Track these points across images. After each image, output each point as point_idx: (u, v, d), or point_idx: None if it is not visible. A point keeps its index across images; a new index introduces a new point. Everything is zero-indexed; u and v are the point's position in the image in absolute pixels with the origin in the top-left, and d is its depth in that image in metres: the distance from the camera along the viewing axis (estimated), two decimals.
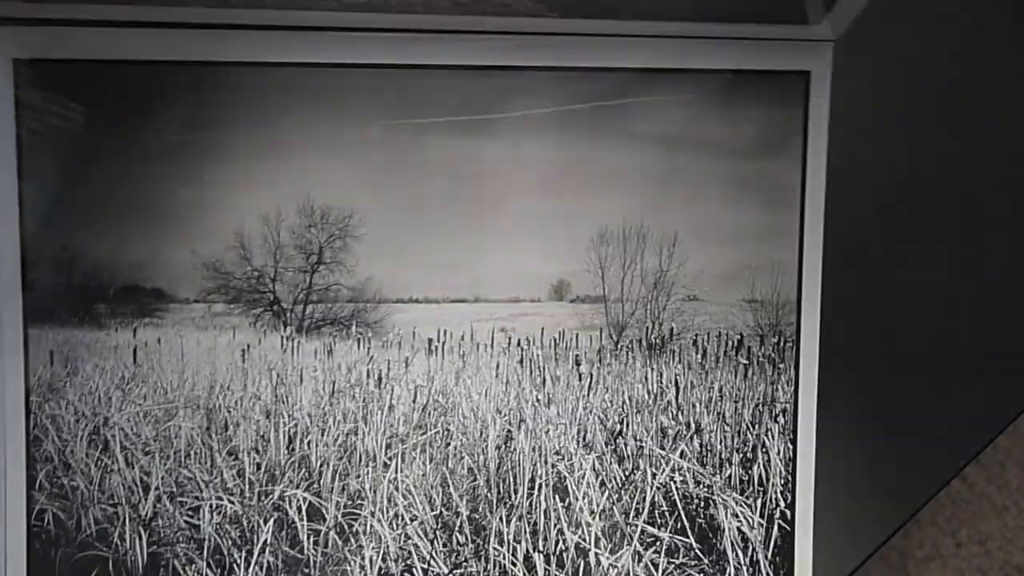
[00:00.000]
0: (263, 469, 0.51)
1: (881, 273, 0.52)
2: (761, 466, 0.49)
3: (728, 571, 0.49)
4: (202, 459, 0.51)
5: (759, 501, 0.49)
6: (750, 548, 0.49)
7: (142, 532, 0.51)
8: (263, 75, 0.49)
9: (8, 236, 0.49)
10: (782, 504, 0.49)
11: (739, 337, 0.49)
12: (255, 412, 0.51)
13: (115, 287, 0.51)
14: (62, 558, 0.51)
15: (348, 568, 0.50)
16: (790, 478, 0.49)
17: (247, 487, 0.51)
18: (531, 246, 0.50)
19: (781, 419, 0.49)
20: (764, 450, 0.49)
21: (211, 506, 0.50)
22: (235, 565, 0.50)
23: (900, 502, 0.53)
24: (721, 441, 0.49)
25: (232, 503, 0.50)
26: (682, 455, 0.49)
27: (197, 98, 0.49)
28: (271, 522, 0.50)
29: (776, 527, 0.49)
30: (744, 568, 0.49)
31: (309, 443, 0.51)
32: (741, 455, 0.49)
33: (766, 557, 0.49)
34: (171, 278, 0.51)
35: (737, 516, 0.49)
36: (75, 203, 0.50)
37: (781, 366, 0.49)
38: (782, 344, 0.49)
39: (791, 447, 0.49)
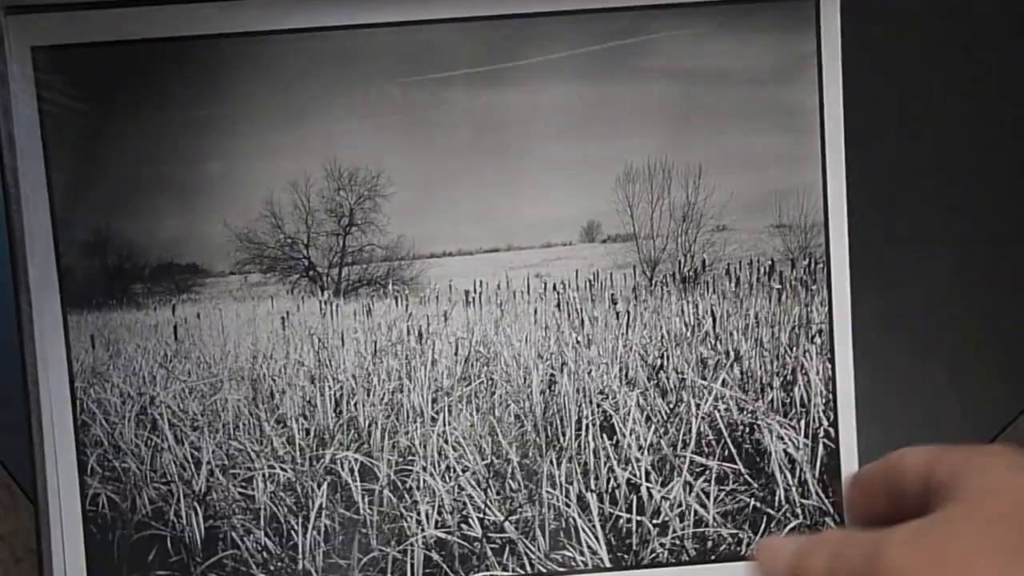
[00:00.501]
0: (312, 434, 0.51)
1: (904, 190, 0.53)
2: (802, 387, 0.50)
3: (778, 493, 0.50)
4: (251, 430, 0.51)
5: (802, 422, 0.50)
6: (797, 468, 0.50)
7: (197, 507, 0.51)
8: (279, 42, 0.50)
9: (40, 223, 0.50)
10: (825, 423, 0.50)
11: (770, 263, 0.50)
12: (299, 378, 0.51)
13: (150, 266, 0.51)
14: (120, 540, 0.51)
15: (405, 524, 0.50)
16: (831, 397, 0.50)
17: (298, 453, 0.51)
18: (559, 190, 0.50)
19: (818, 339, 0.50)
20: (803, 371, 0.50)
21: (264, 475, 0.51)
22: (292, 531, 0.51)
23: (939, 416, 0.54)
24: (761, 367, 0.50)
25: (284, 470, 0.51)
26: (724, 383, 0.50)
27: (216, 71, 0.50)
28: (324, 485, 0.51)
29: (821, 445, 0.50)
30: (793, 488, 0.49)
31: (356, 404, 0.51)
32: (781, 378, 0.50)
33: (813, 476, 0.50)
34: (205, 252, 0.51)
35: (783, 439, 0.50)
36: (103, 185, 0.50)
37: (813, 288, 0.50)
38: (813, 266, 0.50)
39: (829, 366, 0.50)
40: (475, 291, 0.51)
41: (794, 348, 0.50)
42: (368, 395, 0.51)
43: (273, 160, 0.50)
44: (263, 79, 0.50)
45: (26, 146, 0.48)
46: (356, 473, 0.51)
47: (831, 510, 0.50)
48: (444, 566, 0.50)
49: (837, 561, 0.37)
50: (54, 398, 0.50)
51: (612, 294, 0.51)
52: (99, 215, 0.50)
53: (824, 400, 0.50)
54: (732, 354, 0.50)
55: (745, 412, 0.50)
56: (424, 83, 0.50)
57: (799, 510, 0.50)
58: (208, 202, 0.50)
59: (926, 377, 0.53)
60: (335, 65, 0.50)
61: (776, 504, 0.49)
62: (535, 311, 0.51)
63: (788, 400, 0.50)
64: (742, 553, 0.49)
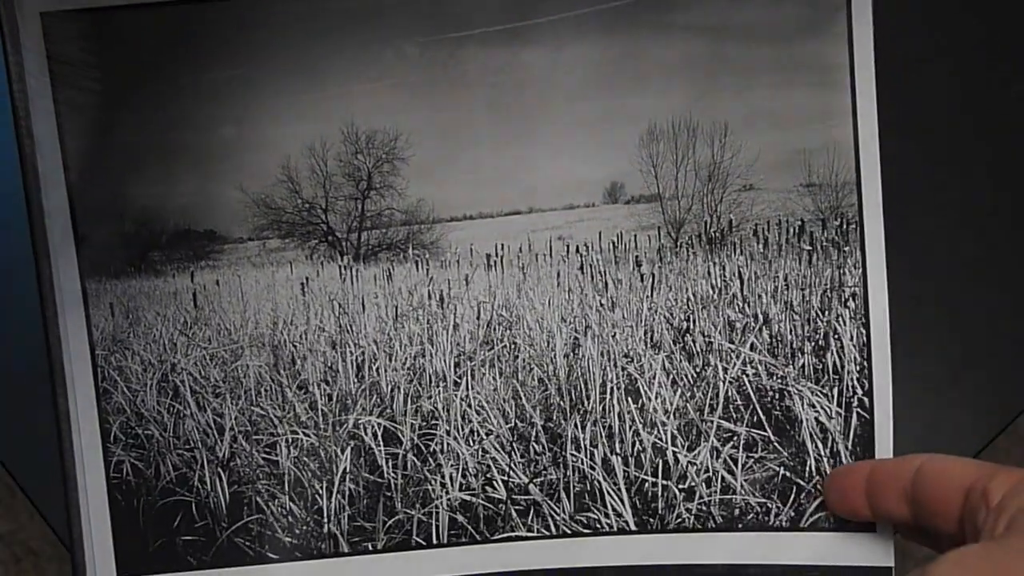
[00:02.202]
0: (335, 399, 0.51)
1: (940, 147, 0.51)
2: (835, 353, 0.48)
3: (808, 463, 0.48)
4: (273, 396, 0.51)
5: (835, 390, 0.48)
6: (829, 438, 0.48)
7: (222, 473, 0.51)
8: (293, 2, 0.48)
9: (56, 192, 0.49)
10: (859, 391, 0.48)
11: (800, 223, 0.49)
12: (320, 344, 0.51)
13: (167, 233, 0.50)
14: (145, 506, 0.51)
15: (430, 487, 0.50)
16: (865, 364, 0.48)
17: (321, 419, 0.51)
18: (581, 150, 0.49)
19: (851, 303, 0.48)
20: (836, 336, 0.48)
21: (287, 441, 0.51)
22: (317, 496, 0.50)
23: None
24: (791, 331, 0.49)
25: (307, 436, 0.51)
26: (752, 347, 0.49)
27: (229, 32, 0.49)
28: (348, 450, 0.50)
29: (855, 415, 0.48)
30: (825, 459, 0.48)
31: (378, 369, 0.51)
32: (813, 343, 0.49)
33: (846, 447, 0.48)
34: (222, 218, 0.50)
35: (814, 407, 0.49)
36: (118, 152, 0.49)
37: (846, 249, 0.48)
38: (845, 227, 0.48)
39: (864, 332, 0.48)
40: (496, 254, 0.51)
41: (826, 312, 0.49)
42: (390, 360, 0.51)
43: (289, 123, 0.49)
44: (278, 40, 0.49)
45: (38, 115, 0.48)
46: (379, 437, 0.50)
47: None
48: (469, 527, 0.49)
49: None
50: (75, 366, 0.50)
51: (636, 256, 0.50)
52: (114, 182, 0.49)
53: (859, 367, 0.48)
54: (760, 317, 0.49)
55: (775, 377, 0.49)
56: (442, 42, 0.49)
57: None
58: (224, 167, 0.50)
59: (964, 343, 0.52)
60: (351, 25, 0.49)
61: (807, 475, 0.48)
62: (558, 274, 0.50)
63: (820, 366, 0.49)
64: (770, 523, 0.48)
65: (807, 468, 0.48)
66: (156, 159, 0.49)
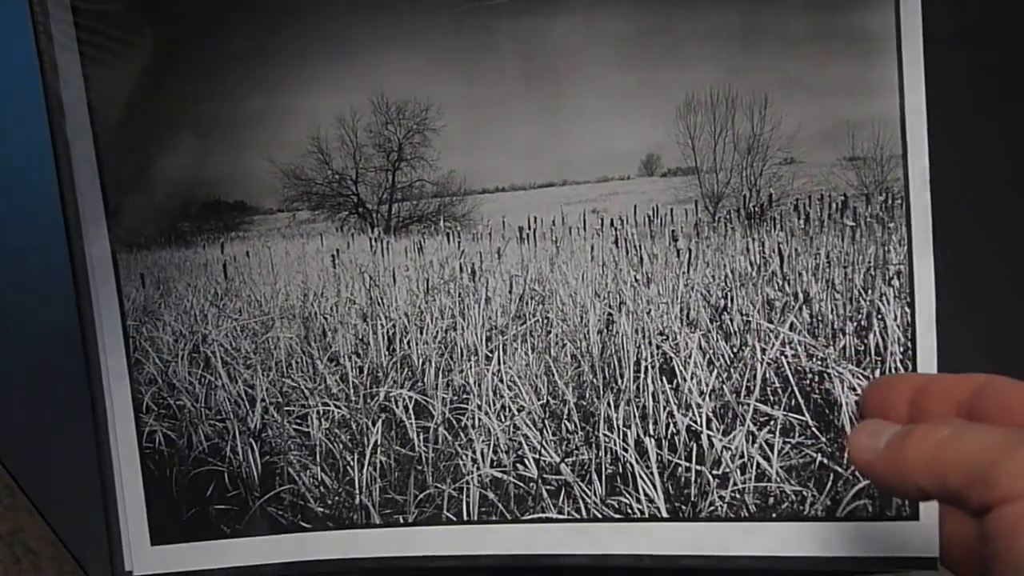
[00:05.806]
0: (366, 372, 0.51)
1: (989, 119, 0.49)
2: (877, 334, 0.47)
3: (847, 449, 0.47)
4: (304, 367, 0.51)
5: (877, 372, 0.47)
6: None
7: (253, 444, 0.51)
8: None
9: (86, 162, 0.49)
10: (903, 373, 0.46)
11: (843, 198, 0.47)
12: (351, 316, 0.51)
13: (197, 204, 0.50)
14: (178, 476, 0.51)
15: (460, 462, 0.50)
16: (909, 345, 0.46)
17: (352, 391, 0.51)
18: (616, 122, 0.48)
19: (896, 282, 0.47)
20: (879, 316, 0.47)
21: (318, 412, 0.51)
22: (348, 467, 0.50)
23: None
24: (832, 311, 0.47)
25: (339, 408, 0.51)
26: (791, 327, 0.48)
27: (257, 3, 0.48)
28: (379, 423, 0.50)
29: None
30: None
31: (409, 342, 0.50)
32: (855, 324, 0.47)
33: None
34: (252, 189, 0.50)
35: (855, 390, 0.47)
36: (147, 124, 0.49)
37: (891, 225, 0.47)
38: (890, 202, 0.47)
39: (908, 311, 0.47)
40: (529, 227, 0.50)
41: (869, 291, 0.47)
42: (421, 333, 0.50)
43: (319, 94, 0.49)
44: (306, 9, 0.48)
45: (68, 87, 0.47)
46: (411, 411, 0.50)
47: None
48: (500, 505, 0.49)
49: (957, 442, 0.33)
50: (107, 337, 0.50)
51: (673, 230, 0.49)
52: (144, 154, 0.49)
53: (902, 348, 0.46)
54: (801, 296, 0.48)
55: (814, 359, 0.47)
56: (473, 10, 0.47)
57: None
58: (253, 138, 0.49)
59: (1014, 321, 0.50)
60: None
61: (845, 461, 0.47)
62: (592, 248, 0.49)
63: (862, 347, 0.47)
64: (805, 513, 0.47)
65: (846, 454, 0.47)
66: (185, 130, 0.49)
